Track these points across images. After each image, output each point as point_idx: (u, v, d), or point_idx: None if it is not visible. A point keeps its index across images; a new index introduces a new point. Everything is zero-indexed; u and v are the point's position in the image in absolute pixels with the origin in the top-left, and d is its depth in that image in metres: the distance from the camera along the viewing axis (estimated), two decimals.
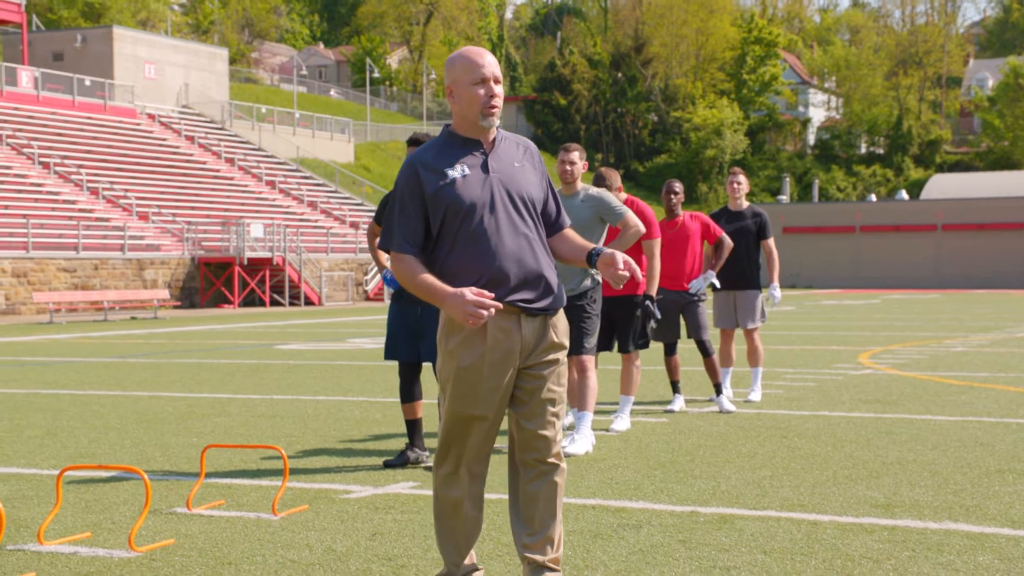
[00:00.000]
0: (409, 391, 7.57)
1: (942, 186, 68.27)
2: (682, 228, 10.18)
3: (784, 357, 15.99)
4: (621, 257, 4.27)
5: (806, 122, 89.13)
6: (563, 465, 4.41)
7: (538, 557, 4.36)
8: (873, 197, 69.84)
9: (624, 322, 8.76)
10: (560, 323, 4.39)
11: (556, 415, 4.37)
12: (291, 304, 40.04)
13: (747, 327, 10.89)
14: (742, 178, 10.85)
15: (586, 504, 6.21)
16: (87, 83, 50.58)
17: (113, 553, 5.26)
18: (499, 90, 4.25)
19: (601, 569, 4.94)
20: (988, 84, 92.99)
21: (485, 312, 4.05)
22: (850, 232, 64.07)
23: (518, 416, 4.33)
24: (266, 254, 39.35)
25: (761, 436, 8.64)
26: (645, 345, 8.90)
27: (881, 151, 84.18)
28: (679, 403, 10.24)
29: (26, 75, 48.57)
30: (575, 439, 7.87)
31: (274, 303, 40.25)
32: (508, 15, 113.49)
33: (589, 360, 8.04)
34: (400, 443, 8.39)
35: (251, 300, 40.43)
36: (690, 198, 74.41)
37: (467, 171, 4.22)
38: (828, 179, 78.82)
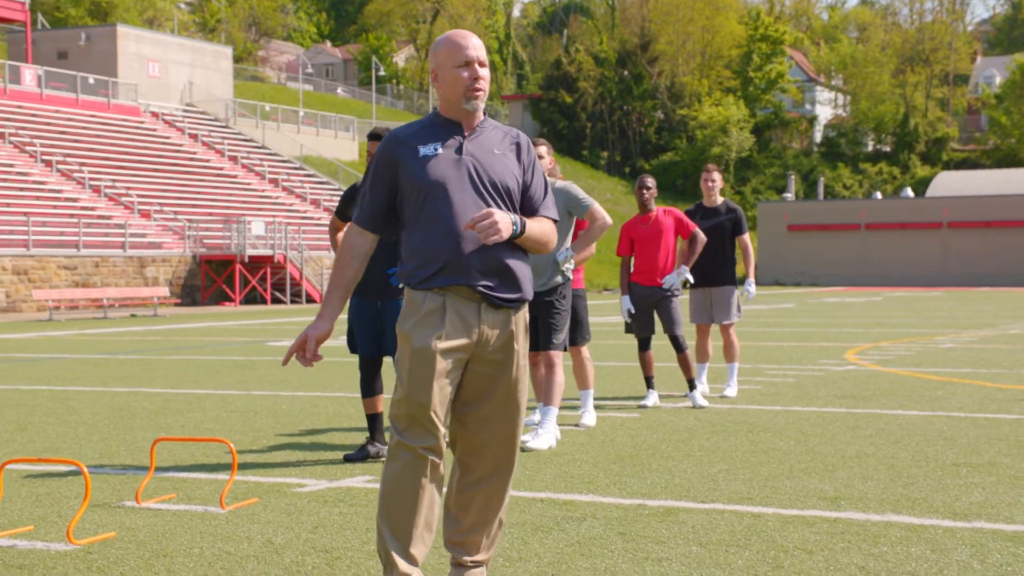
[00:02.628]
0: (369, 385, 7.58)
1: (948, 183, 68.14)
2: (655, 223, 10.17)
3: (770, 353, 15.98)
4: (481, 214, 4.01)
5: (812, 120, 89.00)
6: (508, 474, 4.23)
7: (464, 557, 4.26)
8: (879, 195, 69.69)
9: (571, 316, 8.73)
10: (522, 322, 4.22)
11: (512, 423, 4.18)
12: (292, 302, 40.10)
13: (722, 323, 10.88)
14: (716, 175, 10.85)
15: (535, 497, 6.21)
16: (91, 81, 50.72)
17: (51, 546, 5.27)
18: (484, 73, 4.12)
19: (534, 560, 4.94)
20: (996, 81, 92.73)
21: (301, 355, 4.16)
22: (855, 230, 63.99)
23: (463, 415, 4.18)
24: (267, 252, 39.41)
25: (727, 431, 8.64)
26: (587, 338, 8.92)
27: (888, 149, 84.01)
28: (652, 399, 10.23)
29: (29, 73, 48.73)
30: (539, 434, 7.87)
31: (276, 300, 40.32)
32: (516, 13, 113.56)
33: (557, 356, 8.06)
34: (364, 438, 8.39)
35: (253, 298, 40.50)
36: (697, 196, 74.24)
37: (439, 150, 4.11)
38: (834, 177, 78.71)
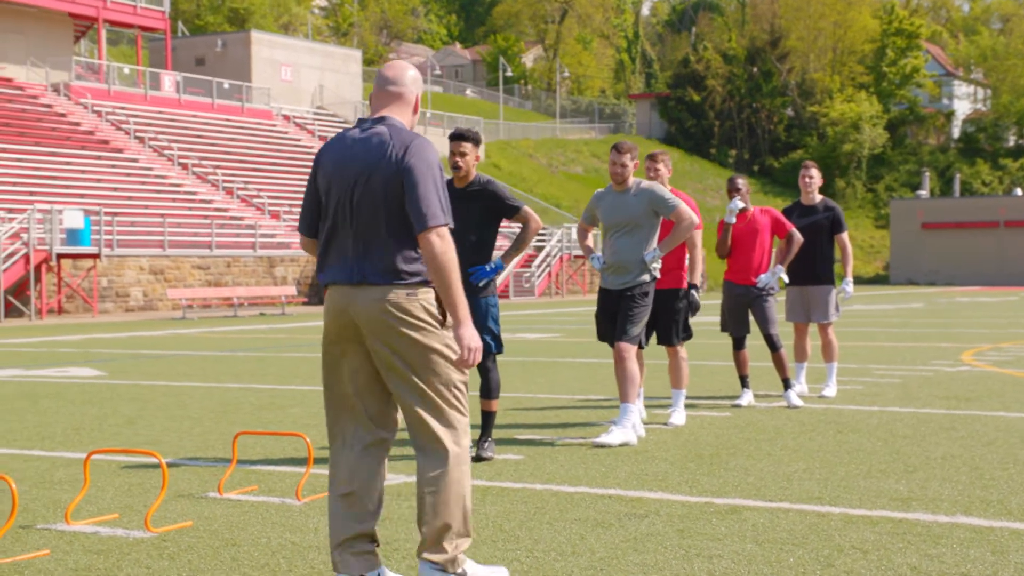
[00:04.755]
0: None
1: None
2: (751, 222, 10.12)
3: (882, 354, 15.70)
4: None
5: (950, 115, 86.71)
6: (445, 456, 4.37)
7: (424, 554, 4.43)
8: (1019, 191, 67.58)
9: (666, 315, 8.76)
10: None
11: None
12: None
13: (820, 322, 10.77)
14: (814, 171, 10.75)
15: (603, 494, 6.28)
16: (226, 86, 52.15)
17: (131, 533, 5.52)
18: None
19: (587, 555, 5.01)
20: None
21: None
22: (993, 227, 62.23)
23: None
24: None
25: (816, 430, 8.57)
26: (688, 336, 8.92)
27: None
28: (747, 398, 10.18)
29: (169, 79, 50.32)
30: (612, 430, 7.91)
31: None
32: (645, 11, 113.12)
33: (627, 349, 7.97)
34: None
35: None
36: (827, 194, 73.00)
37: None
38: (972, 173, 76.57)
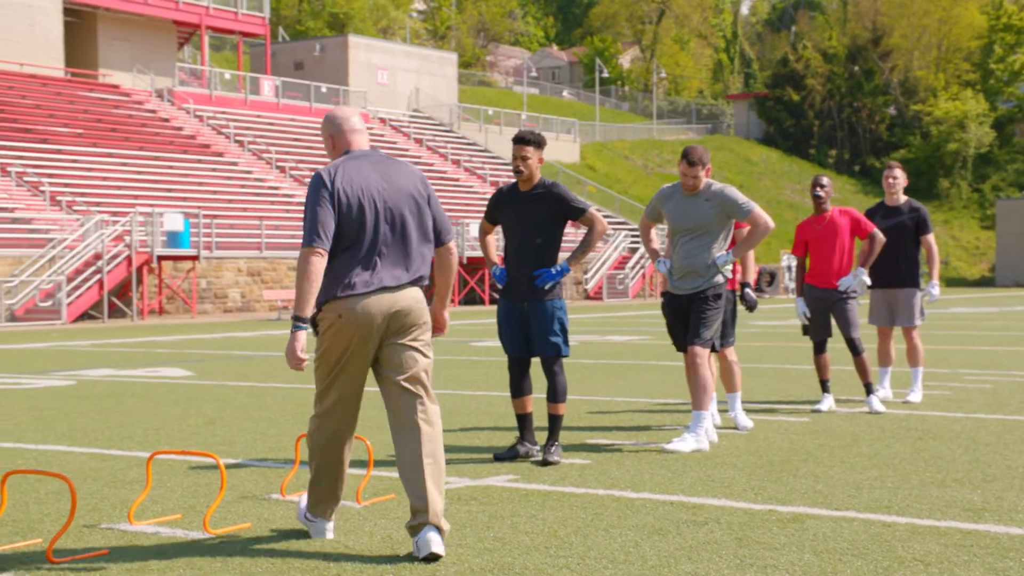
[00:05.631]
0: (518, 385, 7.67)
1: None
2: (830, 224, 9.91)
3: (975, 358, 15.30)
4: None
5: None
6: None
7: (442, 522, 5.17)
8: None
9: None
10: None
11: None
12: None
13: (904, 326, 10.52)
14: (898, 172, 10.51)
15: (665, 500, 6.18)
16: (323, 90, 52.79)
17: (190, 534, 5.57)
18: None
19: (639, 563, 4.93)
20: None
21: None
22: None
23: None
24: None
25: (894, 437, 8.36)
26: (732, 341, 8.83)
27: None
28: (828, 403, 9.97)
29: (268, 84, 51.11)
30: (684, 437, 7.80)
31: (493, 301, 41.01)
32: (744, 11, 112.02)
33: (700, 353, 7.83)
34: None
35: (472, 298, 41.31)
36: (930, 194, 71.65)
37: None
38: None
